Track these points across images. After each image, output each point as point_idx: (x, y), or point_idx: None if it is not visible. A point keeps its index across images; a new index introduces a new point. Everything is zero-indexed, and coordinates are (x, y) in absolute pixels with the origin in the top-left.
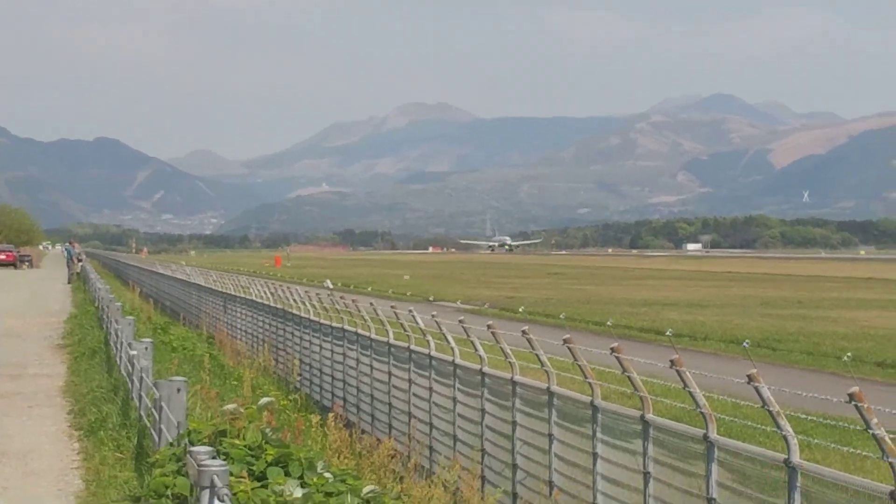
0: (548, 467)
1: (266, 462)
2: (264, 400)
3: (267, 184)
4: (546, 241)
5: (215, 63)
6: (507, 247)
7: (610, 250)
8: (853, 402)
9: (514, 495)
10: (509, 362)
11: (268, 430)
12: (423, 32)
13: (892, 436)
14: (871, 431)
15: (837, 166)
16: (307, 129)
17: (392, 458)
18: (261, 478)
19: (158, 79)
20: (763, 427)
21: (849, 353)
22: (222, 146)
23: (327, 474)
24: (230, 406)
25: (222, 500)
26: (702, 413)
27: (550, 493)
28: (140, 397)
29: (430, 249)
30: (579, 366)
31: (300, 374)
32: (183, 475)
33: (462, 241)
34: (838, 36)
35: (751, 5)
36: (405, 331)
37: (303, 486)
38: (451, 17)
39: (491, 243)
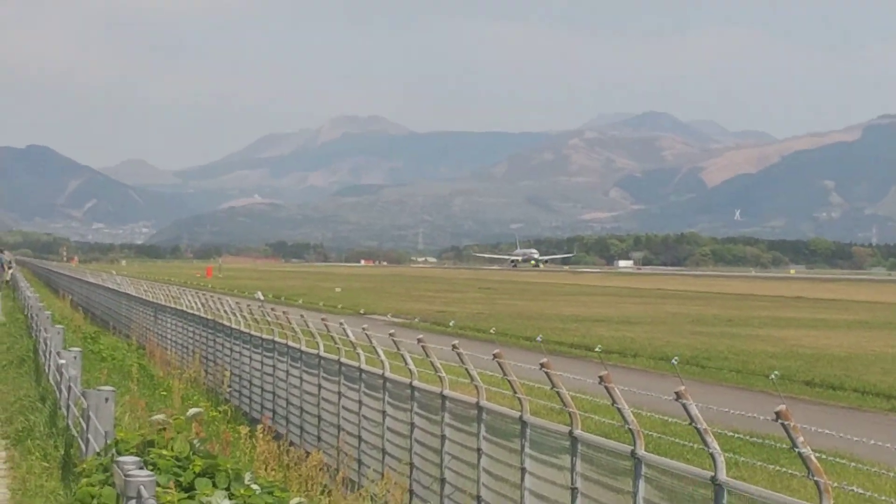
0: (476, 482)
1: (193, 473)
2: (192, 411)
3: (199, 194)
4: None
5: (149, 72)
6: (533, 262)
7: (542, 266)
8: (780, 421)
9: None
10: (439, 376)
11: (196, 441)
12: (356, 45)
13: (818, 454)
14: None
15: (769, 185)
16: (240, 140)
17: (320, 470)
18: (188, 489)
19: (91, 87)
20: (691, 444)
21: (776, 372)
22: (155, 156)
23: (254, 486)
24: (158, 416)
25: None
26: (630, 429)
27: None
28: (68, 406)
29: (362, 262)
30: (509, 381)
31: (230, 386)
32: (110, 485)
33: (478, 255)
34: (771, 55)
35: (685, 23)
36: (335, 343)
37: (230, 497)
38: (384, 30)
39: (514, 257)
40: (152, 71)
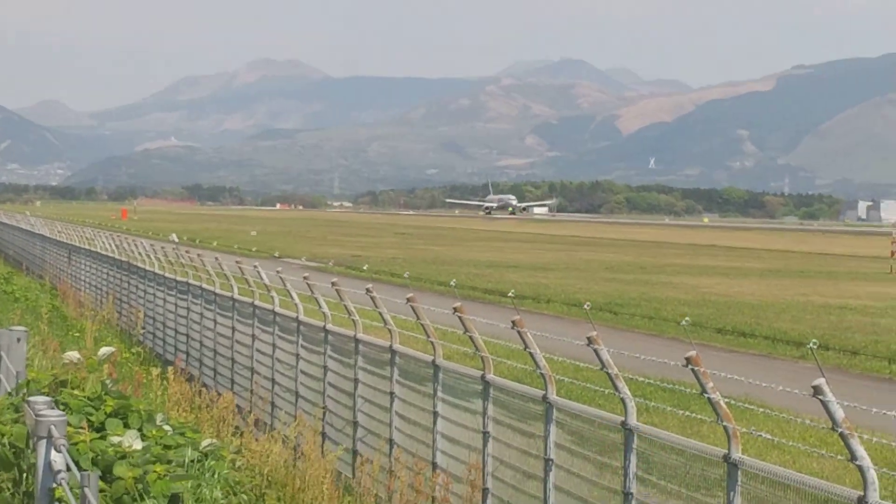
0: (389, 425)
1: (105, 413)
2: (104, 350)
3: (115, 136)
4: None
5: (64, 11)
6: (510, 209)
7: (457, 211)
8: (690, 367)
9: (355, 453)
10: (353, 320)
11: (108, 382)
12: None
13: (727, 400)
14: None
15: (683, 134)
16: (157, 83)
17: (232, 412)
18: (99, 429)
19: (5, 26)
20: (602, 389)
21: (687, 318)
22: (70, 97)
23: (166, 427)
24: (70, 354)
25: (59, 451)
26: (542, 374)
27: (391, 452)
28: None
29: (278, 206)
30: (422, 325)
31: (144, 328)
32: (21, 424)
33: (448, 201)
34: (687, 3)
35: None
36: (249, 286)
37: (142, 438)
38: None
39: (488, 203)
40: (68, 10)
